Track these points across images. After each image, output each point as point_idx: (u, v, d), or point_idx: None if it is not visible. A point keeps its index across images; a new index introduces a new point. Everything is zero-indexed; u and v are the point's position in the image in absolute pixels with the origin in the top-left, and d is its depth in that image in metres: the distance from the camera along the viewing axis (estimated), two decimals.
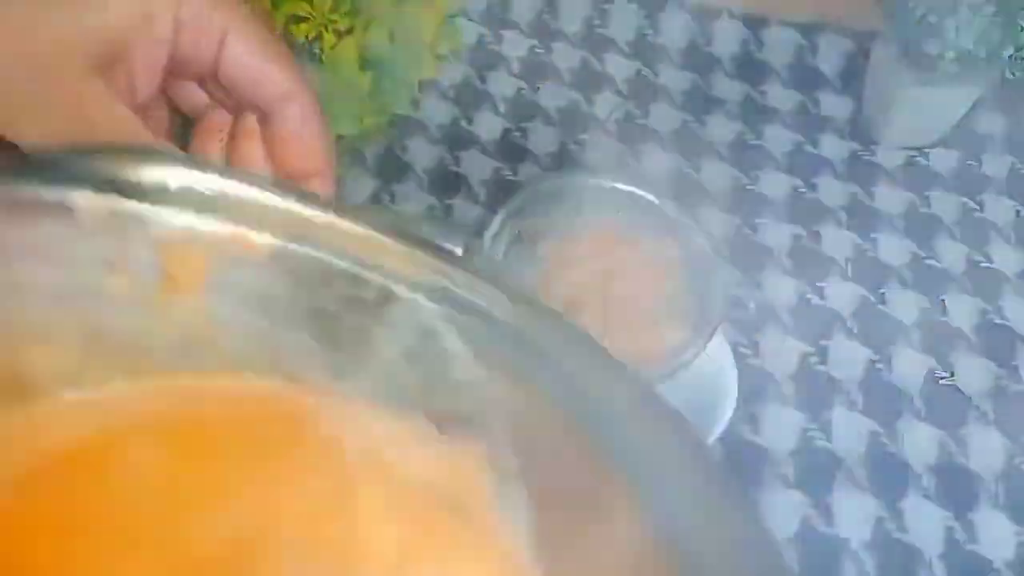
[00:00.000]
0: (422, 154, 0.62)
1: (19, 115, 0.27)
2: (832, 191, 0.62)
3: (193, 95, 0.33)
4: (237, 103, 0.34)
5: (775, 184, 0.61)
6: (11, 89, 0.27)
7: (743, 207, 0.59)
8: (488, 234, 0.37)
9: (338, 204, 0.36)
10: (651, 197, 0.40)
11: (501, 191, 0.60)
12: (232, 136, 0.34)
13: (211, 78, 0.31)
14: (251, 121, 0.33)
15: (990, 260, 0.58)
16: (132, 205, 0.24)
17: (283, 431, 0.27)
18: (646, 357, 0.38)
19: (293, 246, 0.25)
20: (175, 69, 0.30)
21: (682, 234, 0.40)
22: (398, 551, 0.25)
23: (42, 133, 0.27)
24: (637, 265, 0.40)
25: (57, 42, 0.26)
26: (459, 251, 0.33)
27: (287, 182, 0.33)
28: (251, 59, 0.30)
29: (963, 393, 0.52)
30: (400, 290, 0.25)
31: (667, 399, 0.24)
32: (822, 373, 0.52)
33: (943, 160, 0.64)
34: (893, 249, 0.58)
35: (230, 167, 0.33)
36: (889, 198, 0.62)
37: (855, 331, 0.54)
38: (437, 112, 0.65)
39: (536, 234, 0.40)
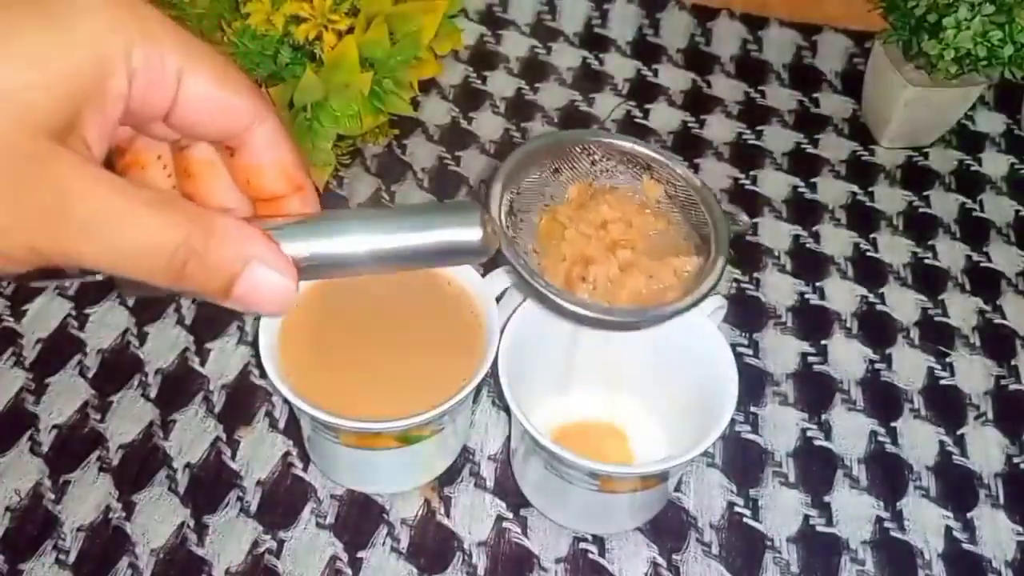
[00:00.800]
0: (422, 154, 0.62)
1: (5, 222, 0.24)
2: (832, 191, 0.62)
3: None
4: (184, 137, 0.32)
5: (775, 184, 0.62)
6: None
7: (743, 207, 0.59)
8: (494, 210, 0.37)
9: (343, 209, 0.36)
10: (623, 141, 0.40)
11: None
12: (185, 171, 0.32)
13: (160, 120, 0.29)
14: (204, 151, 0.32)
15: (990, 260, 0.58)
16: None
17: None
18: (669, 292, 0.38)
19: None
20: (125, 119, 0.28)
21: (660, 170, 0.40)
22: None
23: (33, 240, 0.25)
24: (628, 209, 0.40)
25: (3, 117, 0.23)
26: (478, 237, 0.33)
27: None
28: (212, 96, 0.29)
29: (962, 393, 0.52)
30: None
31: None
32: (822, 373, 0.52)
33: (943, 160, 0.64)
34: (893, 249, 0.59)
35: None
36: (889, 198, 0.62)
37: (855, 331, 0.54)
38: (437, 112, 0.65)
39: (526, 201, 0.40)
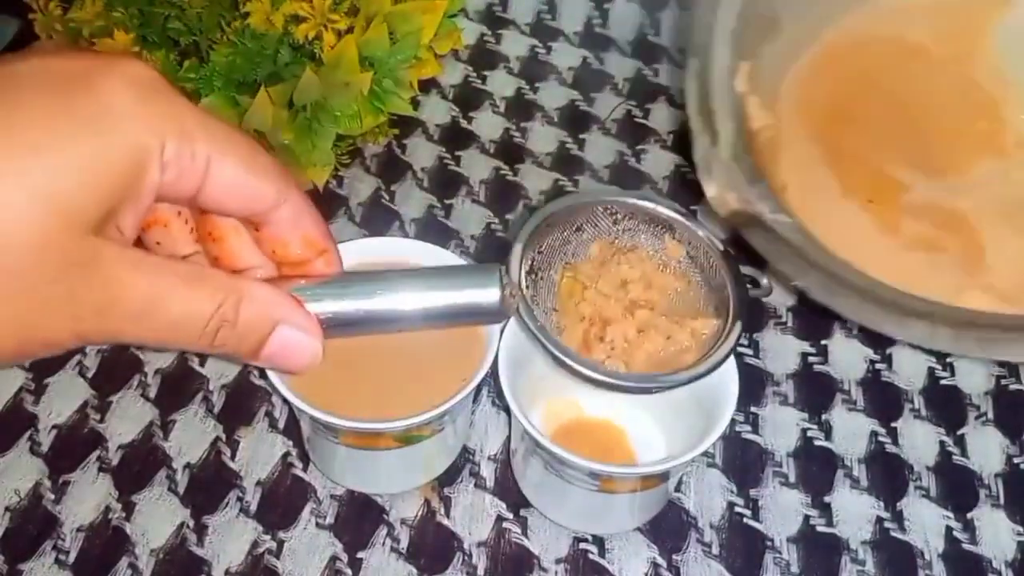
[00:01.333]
0: (422, 154, 0.62)
1: (56, 321, 0.26)
2: None
3: None
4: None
5: None
6: (36, 299, 0.25)
7: None
8: (514, 272, 0.38)
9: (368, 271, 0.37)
10: (646, 202, 0.41)
11: (501, 191, 0.60)
12: (210, 235, 0.34)
13: (187, 201, 0.30)
14: (229, 219, 0.33)
15: None
16: None
17: None
18: (686, 354, 0.38)
19: None
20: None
21: (682, 231, 0.40)
22: None
23: (82, 331, 0.27)
24: (648, 269, 0.41)
25: (51, 215, 0.25)
26: (496, 300, 0.34)
27: None
28: (238, 183, 0.30)
29: (962, 393, 0.52)
30: None
31: None
32: (822, 373, 0.52)
33: None
34: None
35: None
36: None
37: (855, 331, 0.54)
38: (437, 112, 0.65)
39: (547, 259, 0.41)
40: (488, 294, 0.34)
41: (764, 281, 0.40)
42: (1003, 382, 0.52)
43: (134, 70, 0.27)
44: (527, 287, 0.39)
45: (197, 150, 0.28)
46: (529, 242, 0.39)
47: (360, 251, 0.44)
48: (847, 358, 0.53)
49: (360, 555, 0.44)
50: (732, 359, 0.42)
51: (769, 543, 0.45)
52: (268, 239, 0.33)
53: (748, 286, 0.39)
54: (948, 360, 0.53)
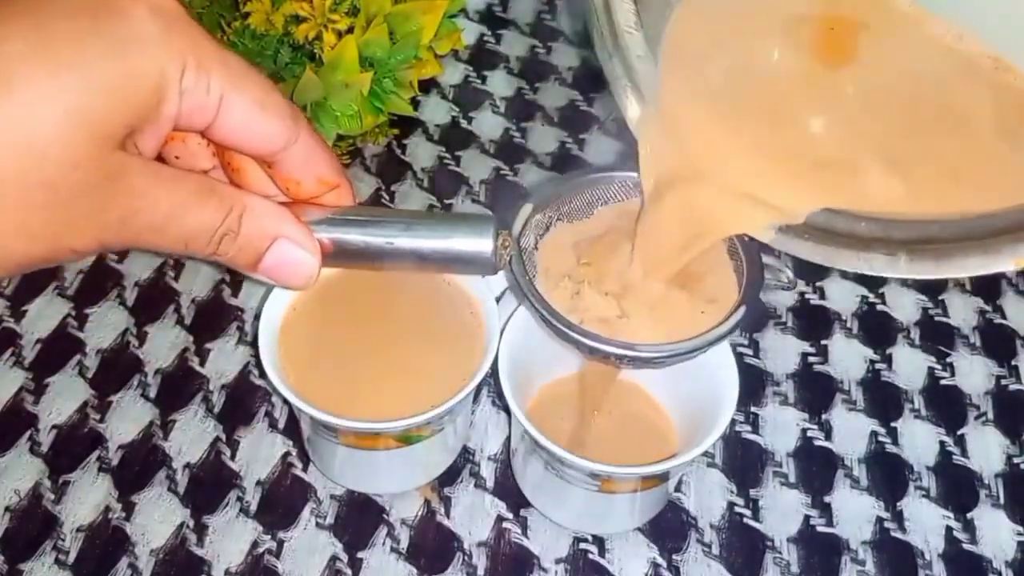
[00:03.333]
0: (422, 154, 0.62)
1: (84, 230, 0.28)
2: None
3: None
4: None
5: None
6: (67, 209, 0.27)
7: None
8: (516, 228, 0.38)
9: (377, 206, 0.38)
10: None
11: (501, 190, 0.60)
12: (229, 165, 0.35)
13: (201, 134, 0.32)
14: None
15: None
16: None
17: None
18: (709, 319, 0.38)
19: None
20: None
21: None
22: None
23: (105, 239, 0.28)
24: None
25: (76, 129, 0.26)
26: (488, 251, 0.35)
27: None
28: (248, 122, 0.31)
29: (962, 393, 0.52)
30: None
31: None
32: (822, 373, 0.52)
33: None
34: None
35: None
36: None
37: (855, 331, 0.54)
38: (437, 112, 0.65)
39: (566, 224, 0.40)
40: (481, 243, 0.35)
41: (788, 275, 0.40)
42: (1003, 382, 0.52)
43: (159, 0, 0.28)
44: (526, 246, 0.39)
45: (212, 83, 0.29)
46: (540, 205, 0.39)
47: None
48: (847, 358, 0.53)
49: (360, 555, 0.44)
50: (732, 358, 0.42)
51: (769, 543, 0.45)
52: (281, 177, 0.35)
53: (769, 277, 0.39)
54: (948, 360, 0.53)
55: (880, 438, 0.49)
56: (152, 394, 0.49)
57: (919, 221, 0.34)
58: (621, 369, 0.39)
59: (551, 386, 0.46)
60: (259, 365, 0.49)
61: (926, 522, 0.46)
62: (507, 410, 0.44)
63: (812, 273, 0.57)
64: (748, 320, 0.38)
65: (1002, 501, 0.47)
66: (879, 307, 0.55)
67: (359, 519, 0.45)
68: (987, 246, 0.33)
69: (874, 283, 0.56)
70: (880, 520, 0.46)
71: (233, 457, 0.47)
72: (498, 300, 0.43)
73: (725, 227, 0.37)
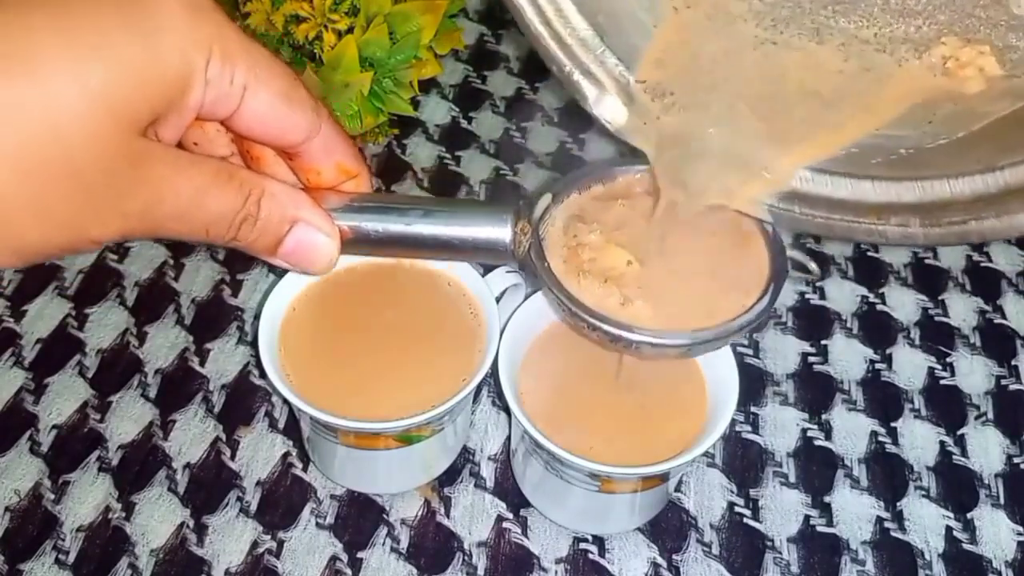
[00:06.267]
0: (422, 154, 0.62)
1: (106, 218, 0.27)
2: None
3: None
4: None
5: None
6: (90, 197, 0.27)
7: None
8: (536, 217, 0.38)
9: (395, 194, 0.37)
10: None
11: (501, 190, 0.60)
12: (249, 153, 0.35)
13: (223, 124, 0.32)
14: None
15: (990, 260, 0.58)
16: None
17: None
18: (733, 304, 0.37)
19: None
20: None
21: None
22: None
23: (128, 228, 0.28)
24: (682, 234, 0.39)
25: (102, 113, 0.26)
26: (507, 239, 0.35)
27: None
28: (271, 112, 0.31)
29: (962, 393, 0.52)
30: None
31: None
32: (822, 373, 0.52)
33: None
34: (893, 248, 0.59)
35: None
36: None
37: (855, 331, 0.54)
38: (437, 112, 0.65)
39: (579, 211, 0.40)
40: (500, 231, 0.35)
41: (812, 265, 0.39)
42: (1003, 382, 0.52)
43: None
44: (544, 235, 0.38)
45: (236, 74, 0.29)
46: (561, 192, 0.39)
47: None
48: (847, 358, 0.53)
49: (360, 555, 0.44)
50: (732, 358, 0.42)
51: (769, 543, 0.45)
52: (302, 168, 0.35)
53: (795, 268, 0.38)
54: (948, 360, 0.53)
55: (880, 438, 0.49)
56: (152, 394, 0.49)
57: (923, 177, 0.34)
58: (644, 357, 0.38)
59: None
60: (259, 365, 0.49)
61: (926, 522, 0.46)
62: (507, 410, 0.44)
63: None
64: (770, 313, 0.37)
65: (1002, 501, 0.47)
66: (879, 307, 0.55)
67: (359, 519, 0.45)
68: (1001, 207, 0.32)
69: (874, 283, 0.56)
70: (880, 520, 0.46)
71: (233, 457, 0.47)
72: (498, 300, 0.44)
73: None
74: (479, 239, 0.35)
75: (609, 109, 0.39)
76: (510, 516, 0.46)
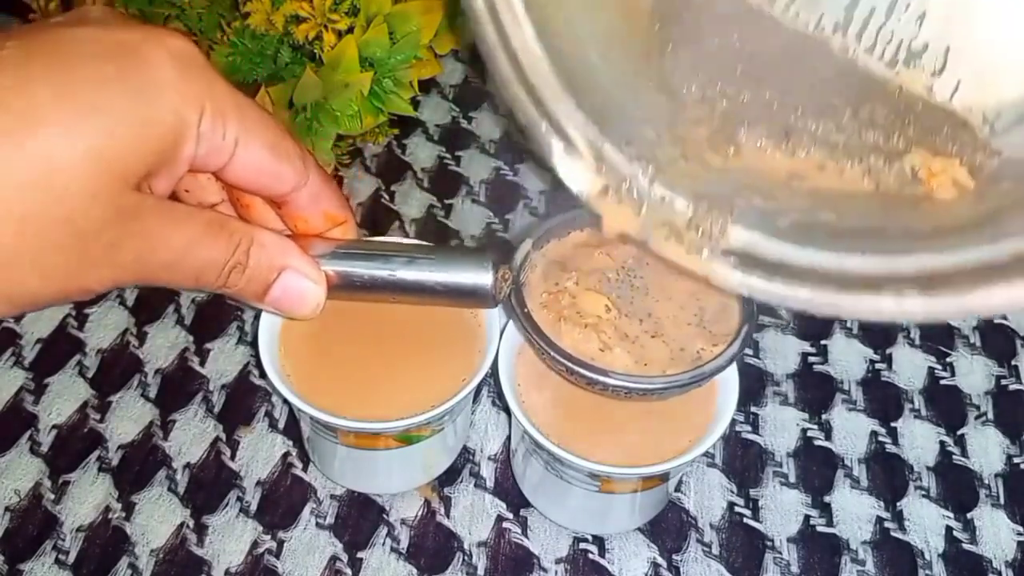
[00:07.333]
0: (422, 154, 0.62)
1: (98, 269, 0.28)
2: None
3: None
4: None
5: None
6: (83, 248, 0.27)
7: None
8: (516, 264, 0.40)
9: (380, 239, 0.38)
10: None
11: (501, 191, 0.60)
12: (239, 201, 0.36)
13: (211, 174, 0.33)
14: None
15: None
16: None
17: None
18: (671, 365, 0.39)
19: None
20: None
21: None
22: None
23: (119, 278, 0.29)
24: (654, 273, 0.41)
25: (97, 168, 0.27)
26: (488, 284, 0.36)
27: None
28: (261, 164, 0.32)
29: (962, 393, 0.52)
30: None
31: None
32: (822, 373, 0.52)
33: None
34: None
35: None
36: None
37: (855, 331, 0.54)
38: (437, 112, 0.65)
39: (560, 258, 0.41)
40: (481, 277, 0.37)
41: (784, 312, 0.40)
42: (1003, 382, 0.52)
43: (178, 45, 0.29)
44: (524, 281, 0.40)
45: (228, 128, 0.30)
46: (540, 241, 0.41)
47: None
48: (847, 358, 0.53)
49: (360, 555, 0.44)
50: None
51: (769, 543, 0.45)
52: (290, 216, 0.36)
53: (762, 316, 0.39)
54: (948, 360, 0.53)
55: (880, 438, 0.49)
56: (152, 394, 0.49)
57: (917, 248, 0.31)
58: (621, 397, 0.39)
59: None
60: (259, 365, 0.49)
61: (926, 522, 0.46)
62: (507, 410, 0.44)
63: None
64: (740, 355, 0.39)
65: (1002, 501, 0.47)
66: None
67: (359, 519, 0.45)
68: (1008, 273, 0.29)
69: None
70: (880, 520, 0.46)
71: (233, 457, 0.47)
72: None
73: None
74: (461, 285, 0.37)
75: (576, 175, 0.37)
76: (510, 516, 0.46)
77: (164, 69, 0.28)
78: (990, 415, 0.51)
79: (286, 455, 0.47)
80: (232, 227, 0.32)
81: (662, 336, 0.39)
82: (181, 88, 0.28)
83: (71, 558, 0.44)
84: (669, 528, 0.46)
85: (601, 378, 0.37)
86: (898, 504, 0.47)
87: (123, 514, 0.45)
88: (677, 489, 0.47)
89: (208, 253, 0.31)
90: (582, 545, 0.45)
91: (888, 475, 0.48)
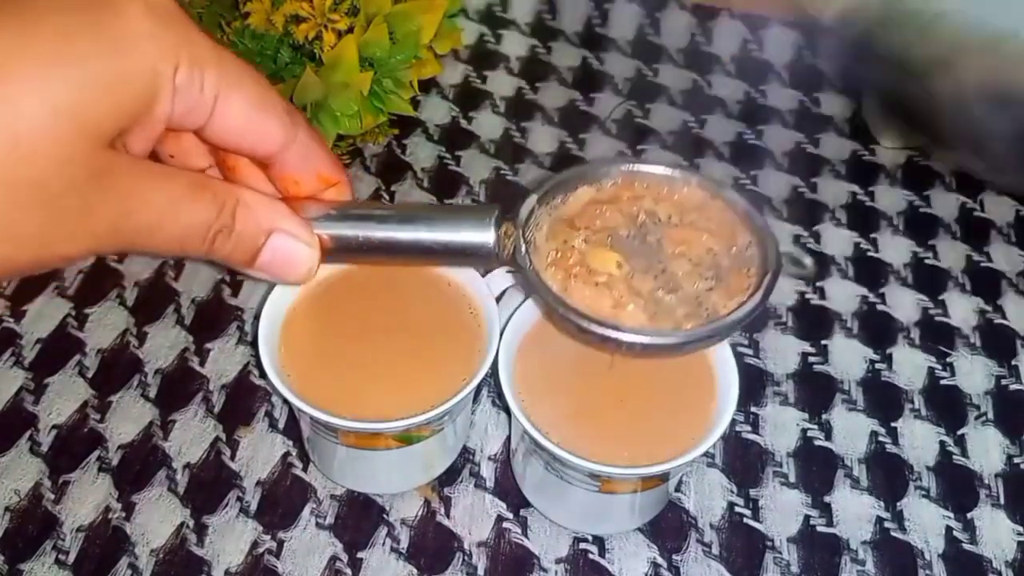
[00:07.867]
0: (422, 154, 0.62)
1: (74, 235, 0.26)
2: (832, 191, 0.62)
3: None
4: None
5: (775, 184, 0.62)
6: (55, 212, 0.26)
7: None
8: (522, 219, 0.37)
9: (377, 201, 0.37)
10: (690, 175, 0.39)
11: (501, 191, 0.60)
12: (225, 163, 0.34)
13: (192, 132, 0.31)
14: None
15: (991, 260, 0.58)
16: None
17: None
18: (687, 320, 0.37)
19: None
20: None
21: (714, 190, 0.38)
22: None
23: (97, 245, 0.27)
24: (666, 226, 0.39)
25: (66, 127, 0.25)
26: (490, 242, 0.34)
27: None
28: (245, 120, 0.30)
29: (962, 393, 0.52)
30: None
31: None
32: (822, 373, 0.52)
33: (944, 160, 0.64)
34: (893, 249, 0.59)
35: None
36: (890, 198, 0.62)
37: (855, 331, 0.54)
38: (437, 112, 0.65)
39: (567, 216, 0.39)
40: (482, 234, 0.35)
41: (807, 260, 0.39)
42: (1003, 382, 0.52)
43: None
44: (530, 238, 0.37)
45: (207, 82, 0.28)
46: (548, 195, 0.38)
47: None
48: (847, 358, 0.53)
49: (360, 555, 0.44)
50: (732, 358, 0.42)
51: (769, 543, 0.45)
52: (280, 178, 0.34)
53: (788, 263, 0.38)
54: (948, 360, 0.53)
55: (880, 438, 0.49)
56: (152, 394, 0.49)
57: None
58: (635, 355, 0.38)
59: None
60: (259, 365, 0.49)
61: (926, 522, 0.46)
62: (507, 410, 0.44)
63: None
64: (764, 309, 0.36)
65: (1002, 501, 0.47)
66: (879, 307, 0.55)
67: (359, 519, 0.45)
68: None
69: (874, 283, 0.56)
70: (880, 520, 0.46)
71: (233, 457, 0.47)
72: (498, 300, 0.43)
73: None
74: (462, 243, 0.35)
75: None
76: (510, 516, 0.46)
77: (137, 19, 0.26)
78: (990, 415, 0.51)
79: (286, 455, 0.47)
80: (216, 188, 0.30)
81: (678, 292, 0.37)
82: (155, 39, 0.27)
83: (71, 558, 0.44)
84: (669, 528, 0.46)
85: (614, 334, 0.35)
86: (898, 504, 0.47)
87: (123, 514, 0.45)
88: (677, 489, 0.47)
89: (191, 216, 0.29)
90: (582, 545, 0.45)
91: (888, 475, 0.48)
